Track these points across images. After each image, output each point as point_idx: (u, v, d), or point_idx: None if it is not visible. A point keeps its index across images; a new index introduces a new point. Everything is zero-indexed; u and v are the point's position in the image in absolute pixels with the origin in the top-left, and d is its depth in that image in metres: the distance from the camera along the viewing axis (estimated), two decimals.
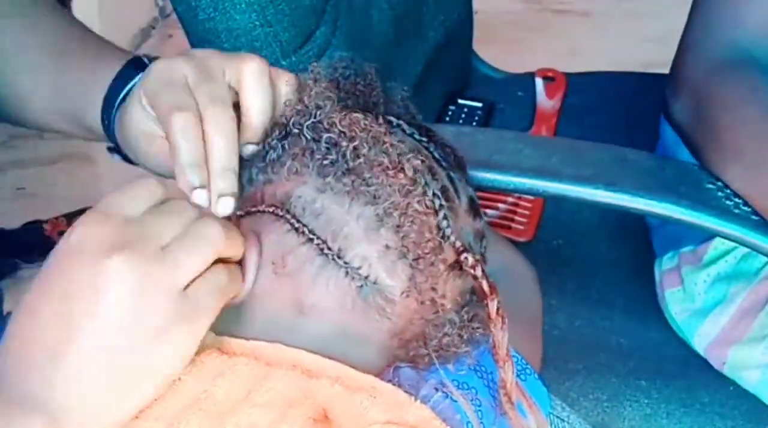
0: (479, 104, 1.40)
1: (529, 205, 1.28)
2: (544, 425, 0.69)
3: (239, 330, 0.64)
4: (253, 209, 0.67)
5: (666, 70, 1.21)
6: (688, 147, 1.00)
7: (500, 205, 1.27)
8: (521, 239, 1.25)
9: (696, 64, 1.00)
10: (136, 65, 0.80)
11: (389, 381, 0.65)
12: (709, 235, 1.07)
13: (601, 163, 0.91)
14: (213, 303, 0.60)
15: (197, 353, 0.62)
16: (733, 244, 1.05)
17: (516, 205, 1.28)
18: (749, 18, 0.96)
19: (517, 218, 1.27)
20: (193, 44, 0.95)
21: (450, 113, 1.39)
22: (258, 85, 0.68)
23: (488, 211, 1.27)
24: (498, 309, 0.66)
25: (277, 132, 0.69)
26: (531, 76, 1.41)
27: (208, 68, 0.68)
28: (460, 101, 1.40)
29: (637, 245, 1.21)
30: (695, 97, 0.98)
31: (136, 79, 0.77)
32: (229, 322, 0.65)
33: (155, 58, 0.77)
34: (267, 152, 0.68)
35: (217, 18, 0.91)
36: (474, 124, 1.38)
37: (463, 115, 1.39)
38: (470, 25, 1.46)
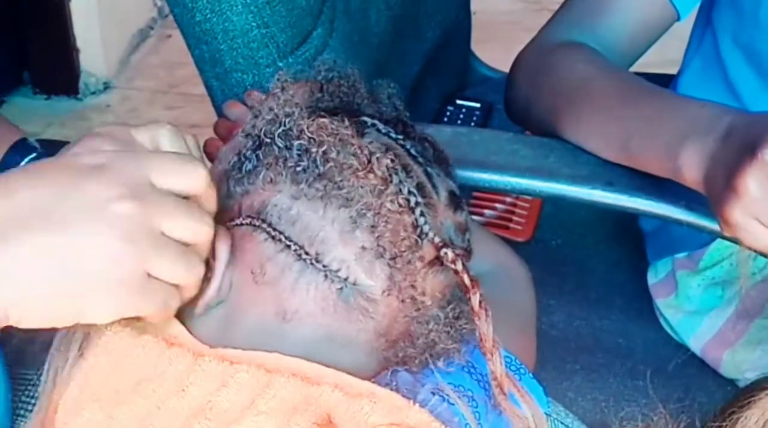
0: (477, 105, 1.40)
1: (527, 204, 1.28)
2: (541, 416, 0.70)
3: (227, 342, 0.65)
4: (231, 223, 0.68)
5: (666, 70, 1.22)
6: (530, 126, 1.01)
7: (498, 205, 1.27)
8: (519, 239, 1.25)
9: (534, 48, 1.02)
10: (20, 150, 0.79)
11: (387, 385, 0.65)
12: (704, 241, 1.07)
13: (598, 163, 0.91)
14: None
15: (196, 356, 0.62)
16: (729, 249, 1.05)
17: (514, 204, 1.28)
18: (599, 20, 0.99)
19: (515, 218, 1.27)
20: (190, 45, 0.95)
21: (448, 114, 1.39)
22: (174, 142, 0.68)
23: (486, 211, 1.27)
24: (481, 302, 0.66)
25: (250, 142, 0.69)
26: None
27: (122, 139, 0.67)
28: (459, 102, 1.40)
29: (635, 245, 1.21)
30: (531, 73, 1.00)
31: (23, 163, 0.77)
32: (216, 334, 0.66)
33: (42, 141, 0.77)
34: (242, 163, 0.69)
35: (213, 20, 0.91)
36: (472, 124, 1.38)
37: (462, 116, 1.39)
38: (468, 26, 1.46)
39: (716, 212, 0.77)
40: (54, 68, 2.33)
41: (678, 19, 0.98)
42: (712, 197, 0.77)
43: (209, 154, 0.81)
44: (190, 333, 0.66)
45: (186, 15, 0.92)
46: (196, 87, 1.03)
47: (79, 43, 2.31)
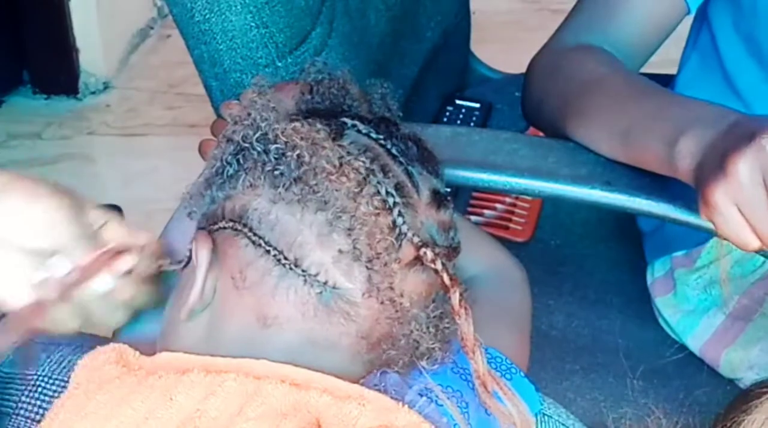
0: (477, 105, 1.40)
1: (527, 205, 1.28)
2: (526, 414, 0.70)
3: (212, 347, 0.65)
4: (214, 227, 0.68)
5: (665, 70, 1.22)
6: (542, 127, 1.01)
7: (498, 206, 1.27)
8: (519, 239, 1.25)
9: (547, 52, 1.02)
10: None
11: (375, 386, 0.65)
12: (701, 240, 1.07)
13: (597, 163, 0.91)
14: None
15: (183, 372, 0.63)
16: (726, 248, 1.05)
17: (514, 205, 1.28)
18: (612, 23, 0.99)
19: (514, 218, 1.27)
20: (189, 46, 0.95)
21: (447, 114, 1.39)
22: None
23: (486, 211, 1.27)
24: (461, 300, 0.67)
25: (231, 148, 0.70)
26: None
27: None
28: (458, 102, 1.40)
29: (634, 245, 1.21)
30: (543, 76, 1.01)
31: None
32: (201, 340, 0.67)
33: None
34: (224, 168, 0.69)
35: (212, 20, 0.91)
36: (472, 124, 1.37)
37: (461, 116, 1.39)
38: (468, 26, 1.46)
39: (699, 192, 0.76)
40: (54, 68, 2.33)
41: (688, 12, 0.98)
42: (699, 181, 0.76)
43: (205, 154, 0.82)
44: (175, 335, 0.67)
45: (185, 15, 0.92)
46: (196, 87, 1.03)
47: (79, 42, 2.31)
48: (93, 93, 2.36)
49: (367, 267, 0.65)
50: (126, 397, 0.62)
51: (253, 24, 0.92)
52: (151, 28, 2.54)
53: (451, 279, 0.67)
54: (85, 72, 2.34)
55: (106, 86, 2.38)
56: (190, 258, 0.69)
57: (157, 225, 0.81)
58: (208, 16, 0.91)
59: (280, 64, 0.94)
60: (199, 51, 0.94)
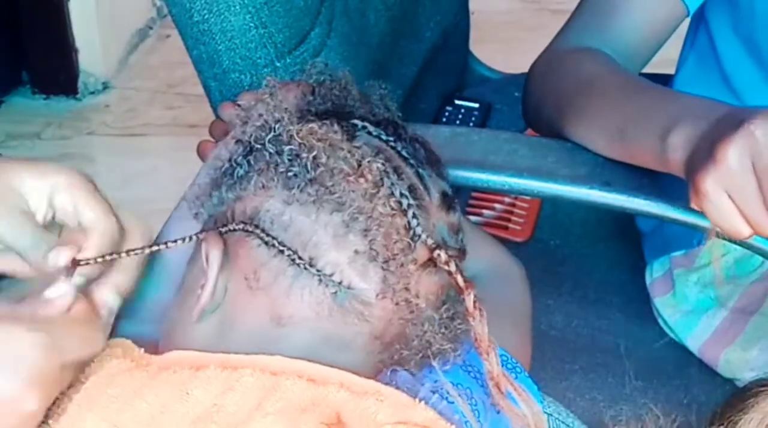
0: (476, 105, 1.40)
1: (526, 205, 1.28)
2: (540, 414, 0.70)
3: (224, 347, 0.65)
4: (224, 229, 0.68)
5: (664, 70, 1.22)
6: (542, 129, 1.01)
7: (497, 205, 1.27)
8: (518, 239, 1.25)
9: (546, 56, 1.03)
10: None
11: (387, 384, 0.66)
12: (701, 239, 1.07)
13: (596, 163, 0.91)
14: None
15: (198, 368, 0.63)
16: (725, 248, 1.05)
17: (513, 205, 1.28)
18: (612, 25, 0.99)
19: (514, 218, 1.27)
20: (188, 46, 0.95)
21: (447, 114, 1.39)
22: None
23: (485, 211, 1.27)
24: (475, 302, 0.67)
25: (241, 148, 0.70)
26: None
27: None
28: (457, 102, 1.40)
29: (634, 245, 1.21)
30: (542, 79, 1.01)
31: None
32: (213, 340, 0.67)
33: None
34: (234, 169, 0.69)
35: (211, 20, 0.91)
36: (471, 124, 1.37)
37: (460, 116, 1.38)
38: (467, 26, 1.46)
39: (690, 181, 0.76)
40: (53, 68, 2.33)
41: (687, 14, 0.98)
42: (690, 172, 0.76)
43: (203, 155, 0.82)
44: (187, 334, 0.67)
45: (184, 15, 0.92)
46: (195, 87, 1.03)
47: (78, 43, 2.31)
48: (92, 93, 2.36)
49: (382, 268, 0.65)
50: (138, 391, 0.62)
51: (251, 24, 0.92)
52: (151, 28, 2.54)
53: (465, 282, 0.67)
54: (84, 72, 2.34)
55: (106, 86, 2.38)
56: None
57: (156, 226, 0.81)
58: (206, 16, 0.91)
59: (279, 64, 0.94)
60: (198, 51, 0.94)
